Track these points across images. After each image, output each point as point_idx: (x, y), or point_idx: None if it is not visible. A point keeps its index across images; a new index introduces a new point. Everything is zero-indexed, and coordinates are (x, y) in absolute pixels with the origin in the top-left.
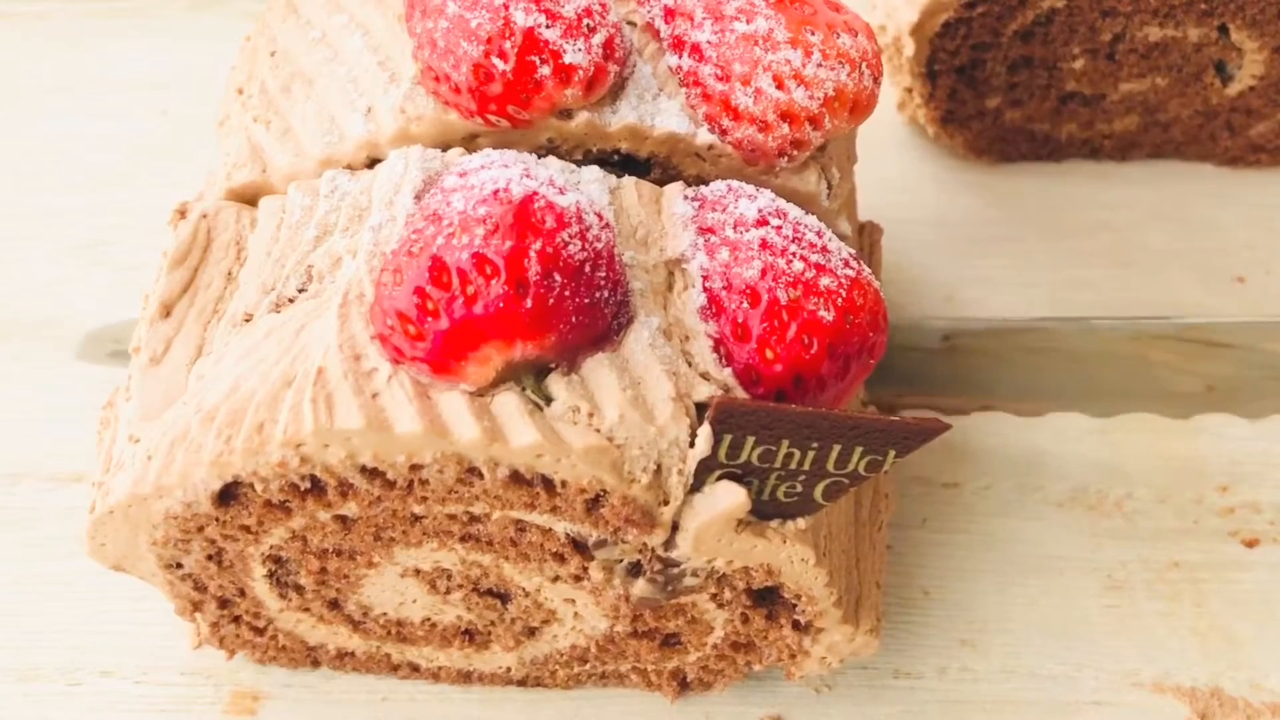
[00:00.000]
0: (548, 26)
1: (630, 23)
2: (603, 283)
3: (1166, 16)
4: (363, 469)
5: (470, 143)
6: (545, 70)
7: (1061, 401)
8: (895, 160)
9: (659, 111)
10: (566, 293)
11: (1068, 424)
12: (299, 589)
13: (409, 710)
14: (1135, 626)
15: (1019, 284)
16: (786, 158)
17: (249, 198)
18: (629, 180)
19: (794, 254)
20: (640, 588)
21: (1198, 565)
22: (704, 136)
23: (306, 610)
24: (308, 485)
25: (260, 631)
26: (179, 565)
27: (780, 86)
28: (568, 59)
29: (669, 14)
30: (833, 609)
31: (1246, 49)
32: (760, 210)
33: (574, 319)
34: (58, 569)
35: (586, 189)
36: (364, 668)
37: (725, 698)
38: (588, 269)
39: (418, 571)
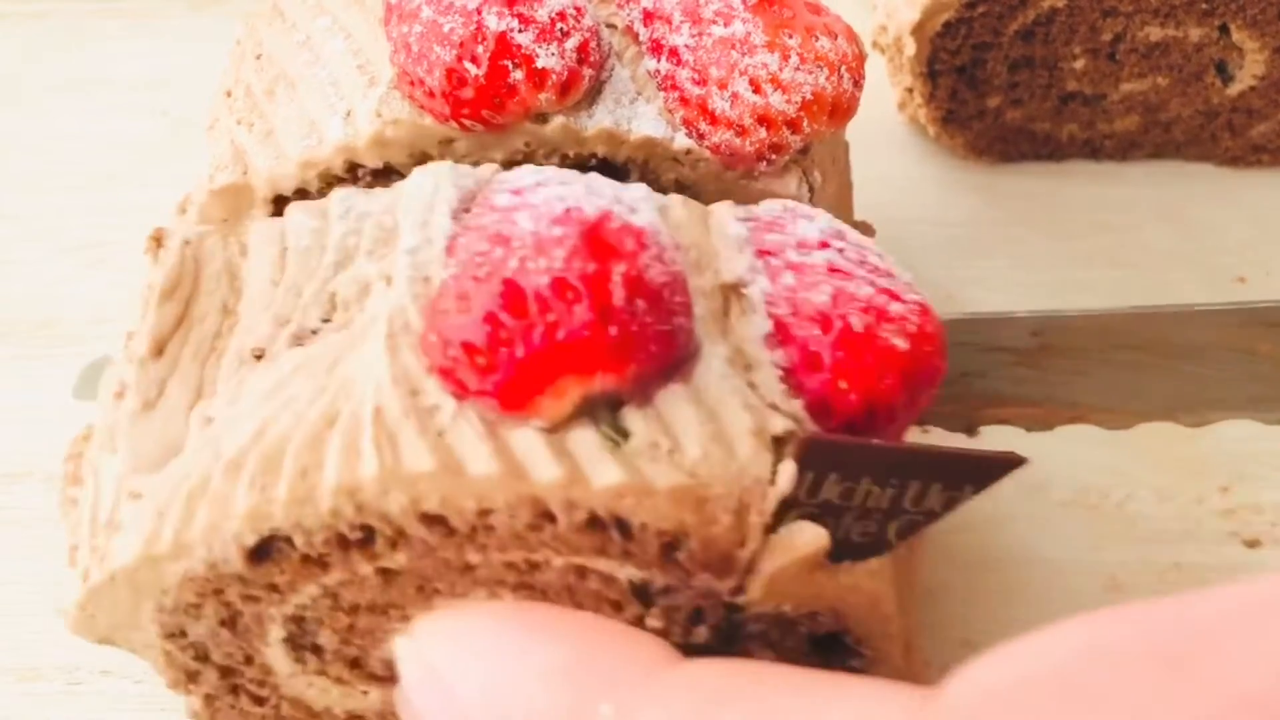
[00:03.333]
0: (520, 31)
1: (610, 25)
2: (679, 309)
3: (1167, 16)
4: (424, 515)
5: (446, 147)
6: (518, 75)
7: (1154, 411)
8: (895, 160)
9: (636, 115)
10: (649, 319)
11: (1073, 428)
12: (317, 650)
13: None
14: None
15: (1019, 284)
16: (765, 161)
17: (231, 200)
18: (676, 198)
19: (862, 278)
20: (700, 636)
21: (1199, 566)
22: (681, 141)
23: (322, 674)
24: (358, 535)
25: (261, 701)
26: (183, 633)
27: (757, 91)
28: (540, 63)
29: (647, 17)
30: (896, 657)
31: (1247, 49)
32: (821, 231)
33: (653, 348)
34: (57, 569)
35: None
36: None
37: None
38: (666, 294)
39: None
